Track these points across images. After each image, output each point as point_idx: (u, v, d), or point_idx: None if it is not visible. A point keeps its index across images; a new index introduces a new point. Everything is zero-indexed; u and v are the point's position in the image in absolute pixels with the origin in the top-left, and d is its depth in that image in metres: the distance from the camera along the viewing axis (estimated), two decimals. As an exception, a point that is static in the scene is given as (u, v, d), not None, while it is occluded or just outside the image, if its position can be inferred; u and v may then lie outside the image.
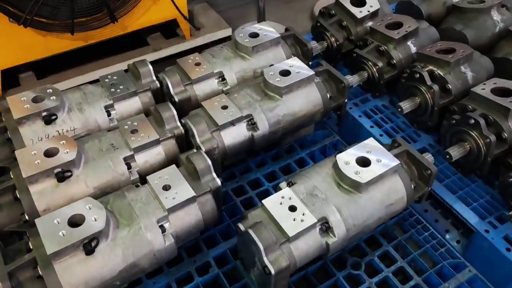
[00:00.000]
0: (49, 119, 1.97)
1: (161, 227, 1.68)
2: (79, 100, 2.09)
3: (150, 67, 2.24)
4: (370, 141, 1.87)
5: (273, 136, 2.16)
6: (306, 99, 2.19)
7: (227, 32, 3.32)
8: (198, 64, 2.29)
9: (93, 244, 1.54)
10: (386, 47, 2.48)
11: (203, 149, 1.94)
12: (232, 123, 2.04)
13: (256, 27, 2.43)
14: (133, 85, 2.17)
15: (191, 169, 1.81)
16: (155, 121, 2.02)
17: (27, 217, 1.71)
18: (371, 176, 1.74)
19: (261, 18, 3.30)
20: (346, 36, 2.73)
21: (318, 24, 2.75)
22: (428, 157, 1.95)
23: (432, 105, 2.27)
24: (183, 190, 1.74)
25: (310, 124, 2.33)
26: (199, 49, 3.30)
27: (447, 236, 2.10)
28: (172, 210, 1.70)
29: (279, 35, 2.41)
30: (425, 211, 2.20)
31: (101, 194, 1.83)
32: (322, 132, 2.46)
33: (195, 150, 1.90)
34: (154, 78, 2.23)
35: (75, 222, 1.58)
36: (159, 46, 3.10)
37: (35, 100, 2.00)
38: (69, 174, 1.78)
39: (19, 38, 2.61)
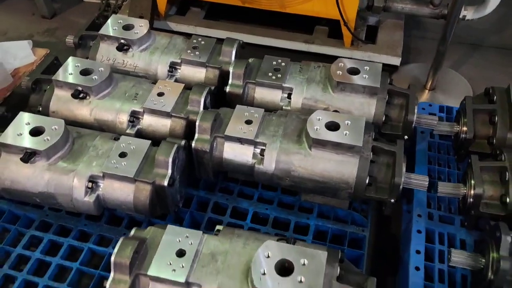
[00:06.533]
0: (121, 47, 2.16)
1: (92, 182, 1.71)
2: (158, 46, 2.20)
3: (235, 49, 2.15)
4: None
5: (277, 181, 1.84)
6: (336, 168, 1.75)
7: (393, 60, 2.79)
8: (277, 70, 2.07)
9: (30, 158, 1.69)
10: (513, 177, 1.71)
11: (193, 145, 1.82)
12: (240, 140, 1.82)
13: (364, 64, 2.00)
14: (206, 57, 2.13)
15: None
16: (186, 97, 1.97)
17: (40, 109, 2.00)
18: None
19: (436, 62, 2.66)
20: (490, 135, 1.98)
21: (464, 101, 2.06)
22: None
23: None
24: (130, 166, 1.70)
25: (330, 195, 1.86)
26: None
27: None
28: (107, 176, 1.70)
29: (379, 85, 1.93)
30: None
31: (97, 127, 1.96)
32: (356, 216, 1.94)
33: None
34: (231, 59, 2.15)
35: (37, 130, 1.75)
36: (312, 40, 2.87)
37: (126, 27, 2.21)
38: (83, 95, 1.95)
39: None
